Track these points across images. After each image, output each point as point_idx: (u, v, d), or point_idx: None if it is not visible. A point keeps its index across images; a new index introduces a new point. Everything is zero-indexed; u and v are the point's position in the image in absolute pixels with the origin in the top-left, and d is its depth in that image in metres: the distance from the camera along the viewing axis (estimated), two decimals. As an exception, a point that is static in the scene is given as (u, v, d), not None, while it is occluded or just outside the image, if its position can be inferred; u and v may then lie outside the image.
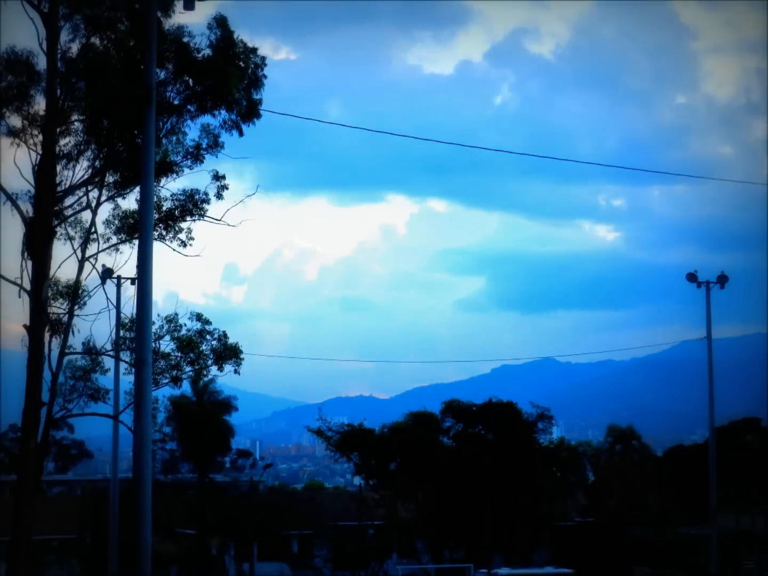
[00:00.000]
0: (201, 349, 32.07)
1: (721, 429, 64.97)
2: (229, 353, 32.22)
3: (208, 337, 32.30)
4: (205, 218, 28.45)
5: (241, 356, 32.46)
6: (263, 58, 26.48)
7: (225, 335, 32.51)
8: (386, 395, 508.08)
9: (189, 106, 26.65)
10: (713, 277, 52.65)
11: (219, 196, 28.14)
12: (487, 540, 61.90)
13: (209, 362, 32.54)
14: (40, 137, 25.95)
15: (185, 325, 32.13)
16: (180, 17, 25.63)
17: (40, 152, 25.84)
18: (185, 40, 25.92)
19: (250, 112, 26.43)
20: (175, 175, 27.77)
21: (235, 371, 32.44)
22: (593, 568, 62.04)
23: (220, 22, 25.89)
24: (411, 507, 65.39)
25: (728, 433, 70.05)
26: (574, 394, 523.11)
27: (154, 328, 27.73)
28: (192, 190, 28.40)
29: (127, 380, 34.36)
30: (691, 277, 52.35)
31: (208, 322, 32.48)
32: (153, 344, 27.06)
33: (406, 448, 62.28)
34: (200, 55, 26.00)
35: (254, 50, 26.26)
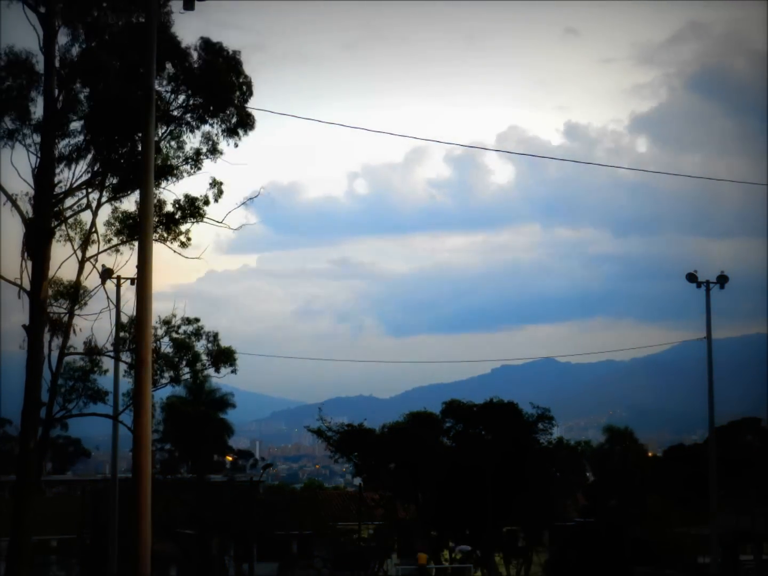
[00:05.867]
0: (196, 350, 32.24)
1: (721, 429, 64.87)
2: (224, 357, 32.46)
3: (202, 340, 32.49)
4: (206, 220, 28.57)
5: (235, 357, 32.70)
6: (246, 77, 26.80)
7: (216, 336, 32.71)
8: (386, 395, 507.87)
9: (186, 117, 26.99)
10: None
11: (216, 200, 28.31)
12: (487, 540, 61.89)
13: (206, 364, 32.73)
14: (39, 139, 25.97)
15: (180, 326, 32.26)
16: (174, 30, 25.93)
17: (39, 154, 25.86)
18: (180, 51, 26.27)
19: (242, 122, 26.80)
20: (174, 179, 27.93)
21: (233, 371, 32.59)
22: (593, 568, 61.99)
23: (209, 43, 26.38)
24: (411, 507, 65.34)
25: (728, 433, 69.96)
26: (574, 394, 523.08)
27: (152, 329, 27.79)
28: (193, 197, 28.64)
29: (127, 381, 34.45)
30: (691, 277, 52.15)
31: (197, 320, 32.69)
32: (152, 345, 27.06)
33: (406, 448, 62.20)
34: (195, 66, 26.43)
35: (240, 63, 26.65)
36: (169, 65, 26.02)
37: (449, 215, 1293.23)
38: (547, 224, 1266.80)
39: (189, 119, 27.01)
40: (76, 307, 28.16)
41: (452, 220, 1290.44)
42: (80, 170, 26.92)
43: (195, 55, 26.40)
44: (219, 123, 26.83)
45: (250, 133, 26.96)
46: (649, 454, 79.48)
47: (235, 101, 26.41)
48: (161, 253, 28.24)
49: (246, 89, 26.52)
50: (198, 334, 32.54)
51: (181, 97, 26.82)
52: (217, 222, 28.29)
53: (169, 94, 26.59)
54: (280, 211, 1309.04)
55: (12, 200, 25.99)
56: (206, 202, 28.40)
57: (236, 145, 26.96)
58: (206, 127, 27.15)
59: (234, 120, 26.74)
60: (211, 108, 26.58)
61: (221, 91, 26.04)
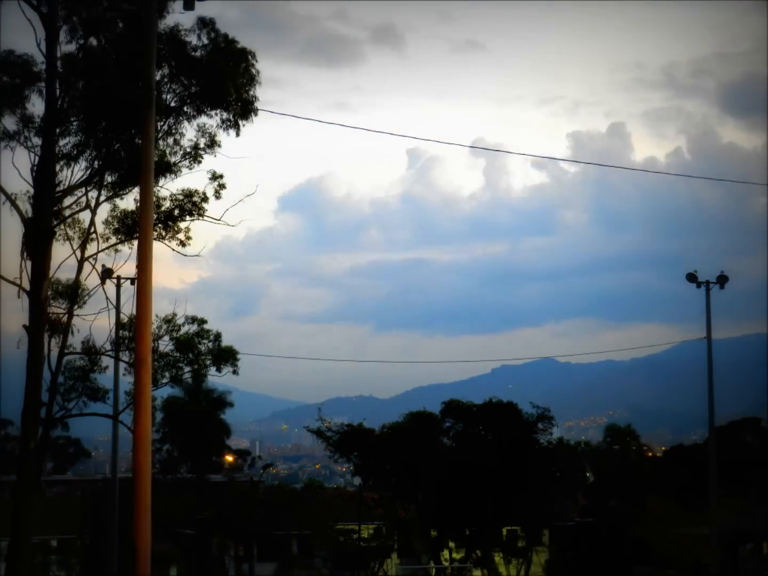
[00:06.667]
0: (199, 349, 32.20)
1: (721, 429, 64.92)
2: (225, 355, 32.40)
3: (204, 340, 32.47)
4: (205, 218, 28.55)
5: (238, 357, 32.67)
6: (253, 54, 26.42)
7: (219, 336, 32.71)
8: (386, 395, 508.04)
9: (185, 108, 26.77)
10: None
11: (217, 196, 28.25)
12: (487, 540, 61.90)
13: (208, 362, 32.69)
14: (39, 138, 25.97)
15: (182, 324, 32.23)
16: (173, 18, 25.78)
17: (39, 153, 25.85)
18: (180, 41, 26.05)
19: (246, 111, 26.51)
20: (173, 176, 27.86)
21: (234, 372, 32.59)
22: (593, 568, 62.00)
23: (208, 23, 26.05)
24: (411, 507, 65.33)
25: (728, 433, 70.03)
26: (574, 394, 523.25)
27: (152, 328, 27.72)
28: (192, 190, 28.52)
29: (127, 380, 34.42)
30: (691, 277, 52.16)
31: (204, 321, 32.66)
32: (152, 344, 27.02)
33: (405, 448, 62.17)
34: (197, 54, 26.13)
35: (245, 50, 26.29)
36: (166, 54, 25.77)
37: (468, 221, 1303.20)
38: (566, 230, 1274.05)
39: (186, 110, 26.83)
40: (76, 306, 28.18)
41: (471, 228, 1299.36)
42: (79, 168, 26.92)
43: (197, 43, 26.17)
44: (220, 113, 26.57)
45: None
46: (649, 454, 79.55)
47: (238, 92, 26.09)
48: (164, 253, 28.30)
49: (248, 78, 26.22)
50: (200, 334, 32.56)
51: (178, 88, 26.62)
52: (216, 219, 28.30)
53: (167, 84, 26.39)
54: (305, 213, 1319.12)
55: (11, 200, 25.99)
56: (205, 199, 28.39)
57: (237, 135, 26.78)
58: (203, 119, 26.96)
59: (235, 111, 26.46)
60: (211, 99, 26.31)
61: (222, 81, 25.73)
